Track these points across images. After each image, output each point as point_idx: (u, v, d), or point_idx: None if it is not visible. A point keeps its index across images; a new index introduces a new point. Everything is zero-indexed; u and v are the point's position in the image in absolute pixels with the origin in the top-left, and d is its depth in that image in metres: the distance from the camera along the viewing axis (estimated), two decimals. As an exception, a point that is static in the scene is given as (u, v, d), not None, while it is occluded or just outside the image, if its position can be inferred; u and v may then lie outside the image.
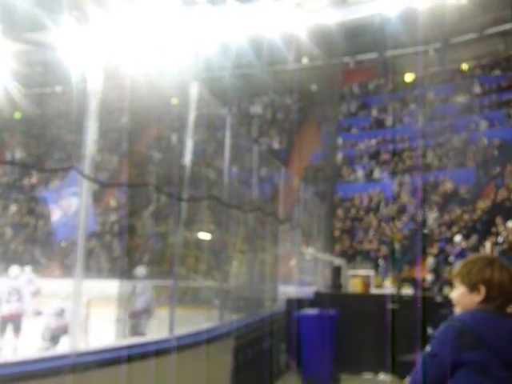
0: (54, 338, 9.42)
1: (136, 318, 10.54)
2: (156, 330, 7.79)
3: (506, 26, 32.49)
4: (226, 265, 9.06)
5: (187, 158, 6.94)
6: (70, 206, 7.36)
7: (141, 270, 11.32)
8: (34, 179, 33.52)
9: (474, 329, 2.50)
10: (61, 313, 9.38)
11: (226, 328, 7.60)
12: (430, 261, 20.79)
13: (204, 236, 9.44)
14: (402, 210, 25.53)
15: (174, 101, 29.55)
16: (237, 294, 9.49)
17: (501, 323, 2.56)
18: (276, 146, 33.24)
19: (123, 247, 23.72)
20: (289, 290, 12.91)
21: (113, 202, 29.19)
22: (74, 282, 5.33)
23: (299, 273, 14.23)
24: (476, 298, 2.65)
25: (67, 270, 24.02)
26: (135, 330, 10.26)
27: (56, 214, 7.95)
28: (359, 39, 34.86)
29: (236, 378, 7.61)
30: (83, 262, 5.33)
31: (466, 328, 2.52)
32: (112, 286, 12.55)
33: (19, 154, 35.36)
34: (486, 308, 2.61)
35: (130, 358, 5.40)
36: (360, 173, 28.94)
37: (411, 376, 2.62)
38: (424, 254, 22.27)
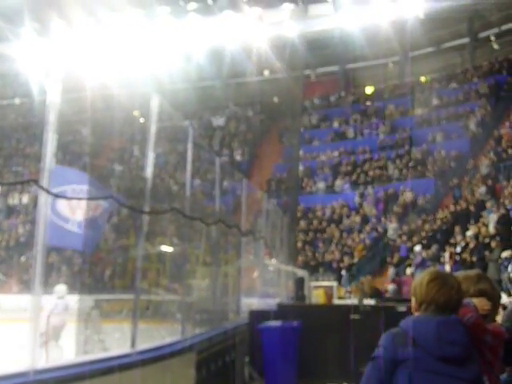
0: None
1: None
2: (118, 345, 7.69)
3: (462, 41, 33.40)
4: (188, 278, 9.01)
5: (149, 171, 6.90)
6: None
7: (59, 288, 11.15)
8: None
9: (406, 330, 2.88)
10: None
11: (189, 342, 7.55)
12: (391, 271, 21.04)
13: (166, 249, 9.38)
14: (364, 220, 25.79)
15: (136, 113, 29.42)
16: (199, 307, 9.44)
17: (429, 322, 2.87)
18: (238, 158, 33.31)
19: (84, 261, 23.40)
20: (252, 302, 12.90)
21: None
22: (32, 298, 5.23)
23: (262, 285, 14.23)
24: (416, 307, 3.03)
25: (25, 286, 23.57)
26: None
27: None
28: (320, 52, 35.36)
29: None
30: (42, 277, 5.24)
31: (400, 331, 2.91)
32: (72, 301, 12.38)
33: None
34: (424, 313, 2.96)
35: (91, 374, 5.32)
36: (321, 184, 29.19)
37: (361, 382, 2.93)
38: (385, 264, 22.55)
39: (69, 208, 6.71)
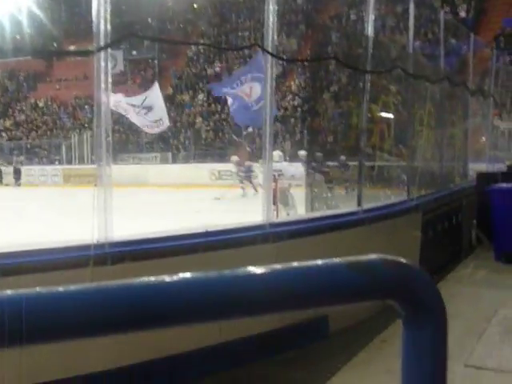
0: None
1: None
2: (344, 206, 7.93)
3: None
4: (413, 140, 8.82)
5: (369, 30, 6.68)
6: (250, 92, 7.46)
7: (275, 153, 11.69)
8: (218, 68, 34.66)
9: None
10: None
11: (415, 202, 7.51)
12: None
13: (389, 110, 9.18)
14: None
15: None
16: (425, 170, 9.25)
17: None
18: (462, 14, 30.68)
19: (306, 130, 24.10)
20: (479, 167, 12.30)
21: (294, 87, 29.44)
22: (263, 165, 5.58)
23: (491, 148, 13.44)
24: None
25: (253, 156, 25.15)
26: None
27: (236, 101, 8.10)
28: None
29: (425, 252, 7.54)
30: (271, 146, 5.53)
31: None
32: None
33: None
34: None
35: (320, 229, 5.60)
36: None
37: None
38: None
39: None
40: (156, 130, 11.59)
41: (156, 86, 10.61)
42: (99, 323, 0.78)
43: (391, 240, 6.64)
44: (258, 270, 0.82)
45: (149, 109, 9.53)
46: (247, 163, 20.74)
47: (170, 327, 0.83)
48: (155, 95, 10.15)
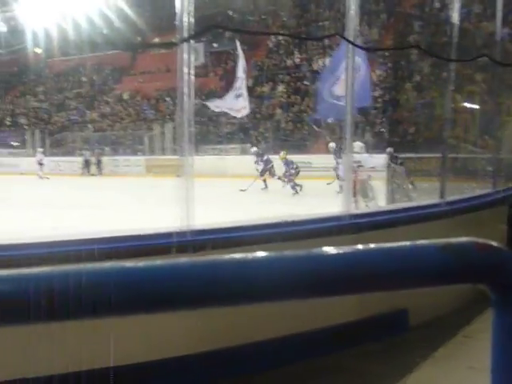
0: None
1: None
2: (426, 198, 7.76)
3: None
4: (499, 131, 8.51)
5: (455, 16, 6.48)
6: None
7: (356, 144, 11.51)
8: (298, 59, 34.55)
9: None
10: None
11: (501, 194, 7.24)
12: None
13: (475, 100, 8.91)
14: None
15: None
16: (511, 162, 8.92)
17: None
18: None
19: (387, 121, 23.70)
20: None
21: (374, 77, 28.94)
22: (344, 156, 5.55)
23: None
24: None
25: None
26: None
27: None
28: None
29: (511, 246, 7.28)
30: (351, 137, 5.48)
31: None
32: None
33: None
34: None
35: (402, 221, 5.51)
36: None
37: None
38: None
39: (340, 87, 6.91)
40: (239, 115, 13.73)
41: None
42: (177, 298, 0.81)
43: (475, 233, 6.41)
44: (349, 249, 0.82)
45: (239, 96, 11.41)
46: (265, 156, 20.24)
47: (245, 304, 0.85)
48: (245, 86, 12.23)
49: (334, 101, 7.55)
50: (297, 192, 18.40)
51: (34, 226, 9.02)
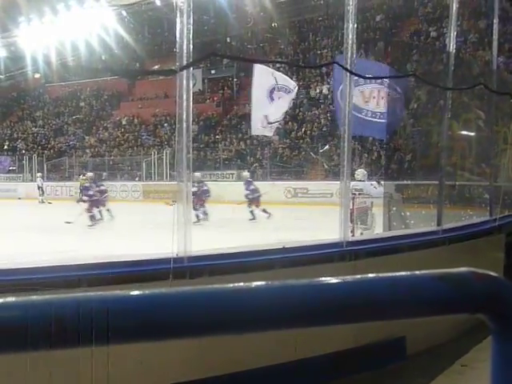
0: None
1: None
2: (423, 225, 7.76)
3: None
4: (496, 159, 8.55)
5: (451, 45, 6.55)
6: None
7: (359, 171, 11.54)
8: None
9: None
10: None
11: (498, 222, 7.25)
12: None
13: (471, 127, 8.96)
14: None
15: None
16: (509, 190, 8.93)
17: None
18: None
19: (384, 148, 23.79)
20: None
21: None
22: (340, 184, 5.55)
23: None
24: None
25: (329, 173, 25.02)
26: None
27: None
28: None
29: (508, 276, 7.22)
30: (349, 163, 5.49)
31: None
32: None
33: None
34: None
35: (399, 248, 5.50)
36: None
37: None
38: None
39: (363, 99, 6.85)
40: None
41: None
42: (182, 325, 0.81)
43: (472, 262, 6.38)
44: (349, 279, 0.82)
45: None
46: (252, 186, 18.47)
47: (243, 333, 0.85)
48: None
49: (370, 118, 7.48)
50: (254, 218, 17.44)
51: (31, 250, 9.01)
